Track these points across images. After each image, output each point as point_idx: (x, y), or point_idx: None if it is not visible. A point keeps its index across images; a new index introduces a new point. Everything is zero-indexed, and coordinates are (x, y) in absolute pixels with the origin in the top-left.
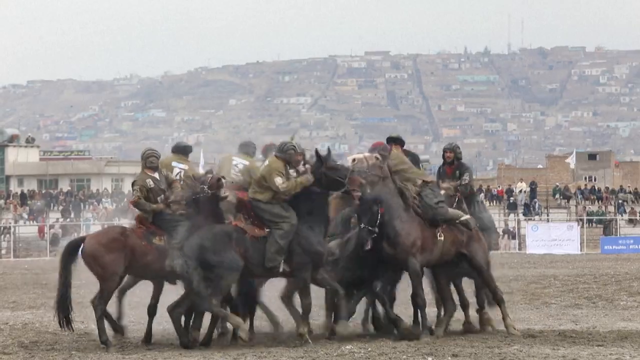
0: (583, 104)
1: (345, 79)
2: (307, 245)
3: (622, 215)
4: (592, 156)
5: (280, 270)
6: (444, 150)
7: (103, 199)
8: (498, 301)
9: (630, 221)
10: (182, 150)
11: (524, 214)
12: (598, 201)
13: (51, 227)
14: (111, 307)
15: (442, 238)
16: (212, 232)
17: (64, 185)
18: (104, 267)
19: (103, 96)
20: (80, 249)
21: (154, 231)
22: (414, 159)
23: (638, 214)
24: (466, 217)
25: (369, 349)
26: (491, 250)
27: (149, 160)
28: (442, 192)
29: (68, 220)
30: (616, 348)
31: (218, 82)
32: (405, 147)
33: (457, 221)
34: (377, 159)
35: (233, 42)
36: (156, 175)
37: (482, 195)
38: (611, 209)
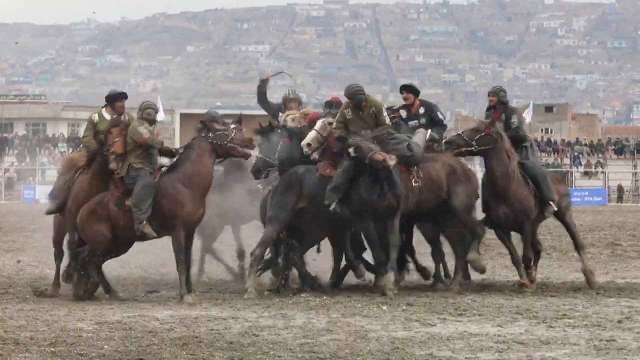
0: (541, 56)
1: (303, 28)
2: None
3: (577, 168)
4: (548, 108)
5: (331, 209)
6: (488, 94)
7: (59, 144)
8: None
9: (586, 173)
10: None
11: (480, 165)
12: (554, 153)
13: (6, 170)
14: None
15: (419, 184)
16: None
17: (20, 129)
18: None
19: (60, 40)
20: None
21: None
22: (429, 108)
23: (593, 167)
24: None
25: (324, 297)
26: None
27: (146, 112)
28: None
29: (23, 164)
30: (569, 299)
31: (176, 28)
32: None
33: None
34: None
35: None
36: (151, 128)
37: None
38: (567, 161)
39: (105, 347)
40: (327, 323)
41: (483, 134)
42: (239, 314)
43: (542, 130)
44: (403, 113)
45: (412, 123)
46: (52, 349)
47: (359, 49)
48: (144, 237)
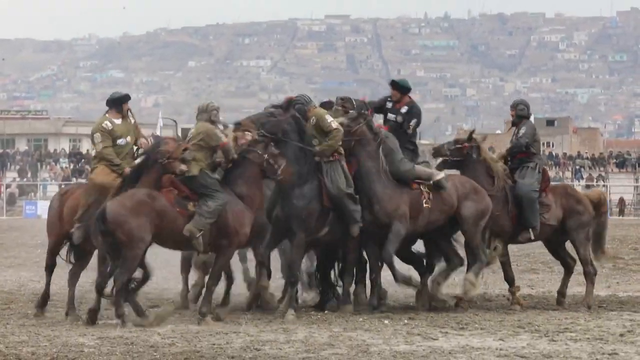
0: (542, 70)
1: (305, 43)
2: None
3: (579, 181)
4: (550, 122)
5: None
6: (510, 108)
7: (60, 159)
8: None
9: (587, 187)
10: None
11: None
12: (556, 167)
13: (7, 186)
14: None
15: (429, 205)
16: None
17: (21, 145)
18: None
19: (61, 56)
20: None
21: (187, 196)
22: (410, 113)
23: (595, 180)
24: (440, 175)
25: (326, 312)
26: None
27: (213, 114)
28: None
29: (25, 180)
30: (571, 312)
31: (177, 43)
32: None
33: (431, 181)
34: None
35: (193, 3)
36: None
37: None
38: (568, 174)
39: None
40: (328, 337)
41: (459, 145)
42: (241, 329)
43: (544, 144)
44: (389, 104)
45: (391, 116)
46: None
47: (360, 63)
48: (182, 246)
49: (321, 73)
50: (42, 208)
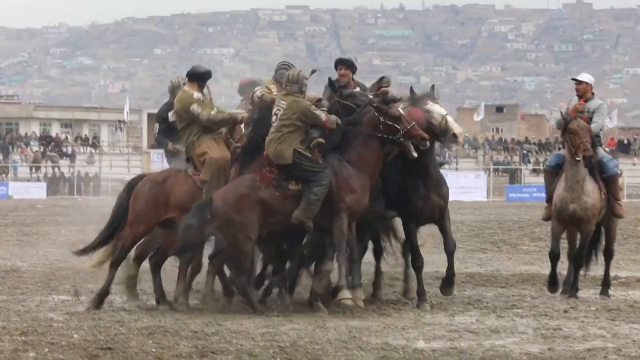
0: (492, 59)
1: (266, 32)
2: None
3: (526, 165)
4: (499, 109)
5: None
6: None
7: (31, 142)
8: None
9: (534, 171)
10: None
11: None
12: (504, 151)
13: None
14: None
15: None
16: None
17: None
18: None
19: (32, 44)
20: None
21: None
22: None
23: (541, 164)
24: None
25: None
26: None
27: (304, 83)
28: None
29: None
30: (518, 290)
31: (144, 32)
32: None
33: None
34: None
35: None
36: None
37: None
38: (516, 159)
39: (75, 336)
40: (287, 313)
41: None
42: (204, 306)
43: (493, 129)
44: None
45: None
46: (24, 338)
47: (319, 52)
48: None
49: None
50: (14, 189)
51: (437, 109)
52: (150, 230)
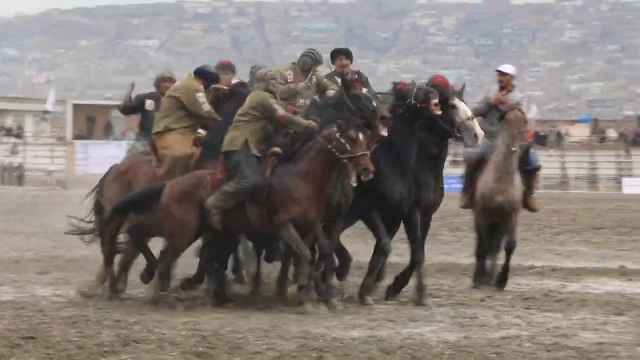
0: (414, 52)
1: (191, 24)
2: None
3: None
4: None
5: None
6: None
7: None
8: None
9: (454, 162)
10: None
11: None
12: None
13: None
14: None
15: None
16: None
17: None
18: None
19: None
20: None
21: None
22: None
23: (460, 156)
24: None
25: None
26: None
27: (272, 83)
28: None
29: None
30: (435, 279)
31: (69, 23)
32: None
33: None
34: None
35: None
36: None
37: None
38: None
39: None
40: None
41: None
42: (126, 295)
43: None
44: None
45: None
46: None
47: (243, 44)
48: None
49: (207, 52)
50: None
51: (463, 107)
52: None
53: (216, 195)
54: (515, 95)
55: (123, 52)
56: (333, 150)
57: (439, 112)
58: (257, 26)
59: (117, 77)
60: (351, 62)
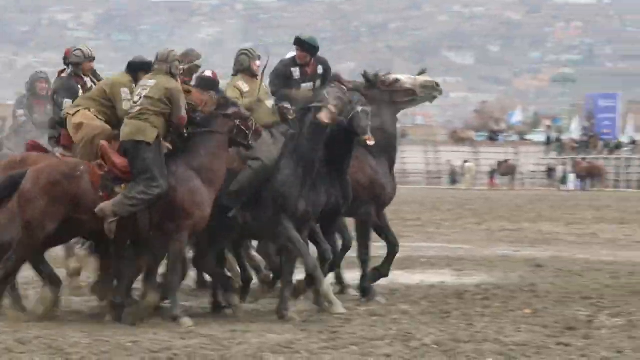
0: (53, 47)
1: None
2: None
3: None
4: None
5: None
6: None
7: None
8: None
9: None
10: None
11: None
12: None
13: None
14: None
15: None
16: None
17: None
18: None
19: None
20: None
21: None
22: (326, 65)
23: None
24: None
25: None
26: None
27: (174, 65)
28: None
29: None
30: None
31: None
32: None
33: None
34: None
35: None
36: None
37: None
38: None
39: None
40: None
41: None
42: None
43: None
44: (296, 72)
45: (306, 85)
46: None
47: None
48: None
49: None
50: None
51: (403, 77)
52: None
53: (118, 200)
54: None
55: None
56: (237, 139)
57: None
58: None
59: None
60: (312, 55)
